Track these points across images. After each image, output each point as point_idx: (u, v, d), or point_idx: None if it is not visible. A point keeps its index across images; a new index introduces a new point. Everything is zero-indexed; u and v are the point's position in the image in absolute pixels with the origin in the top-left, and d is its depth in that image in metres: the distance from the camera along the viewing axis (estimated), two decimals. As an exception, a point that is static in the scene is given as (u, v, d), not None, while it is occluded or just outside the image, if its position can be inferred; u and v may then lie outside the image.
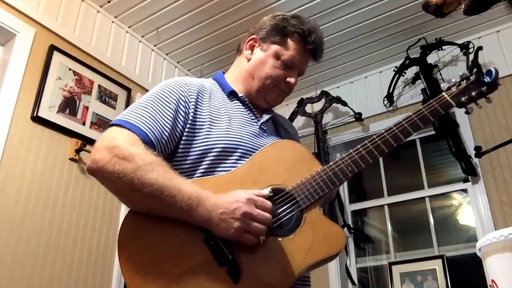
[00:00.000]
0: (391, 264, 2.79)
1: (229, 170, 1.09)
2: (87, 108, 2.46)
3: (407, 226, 3.14)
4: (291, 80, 1.26)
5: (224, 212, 0.95)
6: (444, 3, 1.20)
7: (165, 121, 1.09)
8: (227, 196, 0.98)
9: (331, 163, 1.09)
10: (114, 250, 2.38)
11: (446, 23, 2.80)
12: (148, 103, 1.11)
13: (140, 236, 0.99)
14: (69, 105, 2.37)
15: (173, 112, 1.11)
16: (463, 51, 2.80)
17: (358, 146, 1.09)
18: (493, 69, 1.09)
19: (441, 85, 1.15)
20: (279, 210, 1.03)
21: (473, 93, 1.10)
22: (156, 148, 1.05)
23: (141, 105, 1.11)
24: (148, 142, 1.03)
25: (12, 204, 2.00)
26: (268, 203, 0.99)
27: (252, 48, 1.31)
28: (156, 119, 1.08)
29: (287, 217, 1.03)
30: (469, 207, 2.74)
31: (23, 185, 2.06)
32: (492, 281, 1.41)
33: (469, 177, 2.66)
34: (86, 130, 2.41)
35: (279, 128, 1.33)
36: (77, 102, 2.42)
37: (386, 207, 3.10)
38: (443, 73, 2.90)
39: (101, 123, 2.51)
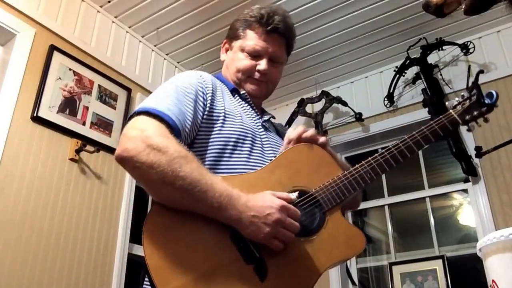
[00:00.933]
0: (391, 264, 2.79)
1: (242, 161, 1.12)
2: (87, 108, 2.46)
3: (408, 226, 3.14)
4: (260, 67, 1.28)
5: (256, 216, 0.96)
6: (445, 3, 1.20)
7: (188, 111, 1.10)
8: (258, 198, 0.99)
9: (351, 169, 1.14)
10: (114, 250, 2.38)
11: (446, 23, 2.80)
12: (170, 93, 1.11)
13: (166, 231, 0.98)
14: (69, 105, 2.36)
15: (193, 103, 1.12)
16: (464, 51, 2.80)
17: (376, 154, 1.16)
18: (494, 93, 1.20)
19: (446, 103, 1.25)
20: (303, 212, 1.06)
21: (475, 113, 1.19)
22: (181, 137, 1.05)
23: (164, 94, 1.10)
24: (176, 130, 1.03)
25: (12, 204, 1.99)
26: (298, 212, 1.02)
27: (226, 51, 1.38)
28: (180, 108, 1.08)
29: (310, 218, 1.07)
30: (470, 207, 2.74)
31: (23, 185, 2.06)
32: (493, 281, 1.41)
33: (470, 177, 2.65)
34: (86, 130, 2.41)
35: (279, 133, 1.38)
36: (77, 102, 2.42)
37: (386, 207, 3.10)
38: (443, 73, 2.89)
39: (101, 123, 2.51)
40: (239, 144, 1.14)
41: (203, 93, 1.16)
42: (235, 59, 1.30)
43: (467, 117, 1.19)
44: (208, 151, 1.12)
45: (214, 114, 1.16)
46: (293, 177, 1.11)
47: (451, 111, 1.21)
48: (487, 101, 1.19)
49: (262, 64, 1.27)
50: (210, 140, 1.13)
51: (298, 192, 1.06)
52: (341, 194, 1.10)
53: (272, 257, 0.99)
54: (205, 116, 1.14)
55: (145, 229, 0.97)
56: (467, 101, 1.21)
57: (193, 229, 0.99)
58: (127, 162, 0.98)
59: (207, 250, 0.97)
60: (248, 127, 1.19)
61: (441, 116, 1.20)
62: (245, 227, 0.96)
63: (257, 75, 1.29)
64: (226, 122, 1.15)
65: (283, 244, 0.99)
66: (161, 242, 0.96)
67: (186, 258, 0.95)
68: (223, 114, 1.17)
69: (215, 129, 1.14)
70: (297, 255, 1.02)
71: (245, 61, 1.28)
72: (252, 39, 1.28)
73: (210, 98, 1.17)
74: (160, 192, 0.99)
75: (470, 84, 1.26)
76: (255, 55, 1.28)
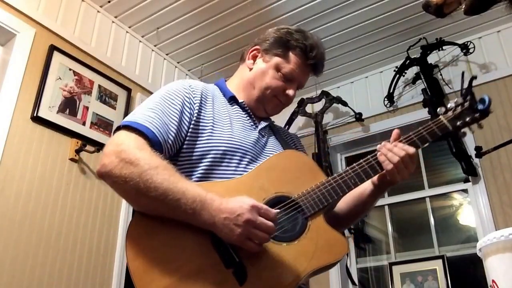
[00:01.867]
0: (391, 264, 2.79)
1: (230, 172, 1.13)
2: (87, 108, 2.46)
3: (408, 226, 3.14)
4: (290, 92, 1.30)
5: (227, 218, 0.96)
6: (445, 3, 1.20)
7: (171, 122, 1.11)
8: (231, 201, 0.99)
9: (335, 174, 1.15)
10: (114, 250, 2.38)
11: (446, 23, 2.79)
12: (154, 105, 1.13)
13: (148, 236, 1.00)
14: (69, 105, 2.36)
15: (178, 114, 1.13)
16: (464, 51, 2.80)
17: (361, 160, 1.16)
18: (486, 98, 1.17)
19: (438, 109, 1.23)
20: (285, 217, 1.07)
21: (467, 119, 1.18)
22: (163, 148, 1.07)
23: (147, 107, 1.13)
24: (155, 142, 1.06)
25: (12, 204, 1.99)
26: (272, 211, 1.00)
27: (254, 58, 1.35)
28: (163, 120, 1.10)
29: (292, 224, 1.07)
30: (470, 207, 2.74)
31: (23, 185, 2.05)
32: (493, 281, 1.41)
33: (470, 177, 2.65)
34: (86, 130, 2.41)
35: (278, 138, 1.37)
36: (77, 102, 2.42)
37: (386, 207, 3.09)
38: (443, 73, 2.89)
39: (101, 123, 2.51)
40: (228, 155, 1.14)
41: (190, 103, 1.17)
42: (267, 74, 1.29)
43: (458, 123, 1.18)
44: (197, 162, 1.13)
45: (201, 124, 1.17)
46: (276, 183, 1.11)
47: (441, 117, 1.20)
48: (480, 107, 1.18)
49: (292, 91, 1.30)
50: (199, 151, 1.13)
51: (276, 199, 1.07)
52: (324, 199, 1.10)
53: (252, 261, 0.99)
54: (192, 126, 1.15)
55: (128, 234, 1.00)
56: (459, 107, 1.20)
57: (175, 234, 1.00)
58: (106, 178, 1.02)
59: (188, 254, 0.98)
60: (237, 137, 1.18)
61: (430, 122, 1.19)
62: (219, 230, 0.97)
63: (283, 98, 1.31)
64: (214, 132, 1.16)
65: (258, 245, 0.98)
66: (143, 247, 0.98)
67: (167, 262, 0.97)
68: (211, 124, 1.17)
69: (202, 139, 1.15)
70: (278, 260, 1.01)
71: (278, 82, 1.29)
72: (293, 64, 1.29)
73: (197, 108, 1.18)
74: (137, 203, 1.03)
75: (463, 90, 1.24)
76: (288, 79, 1.29)
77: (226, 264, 0.98)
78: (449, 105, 1.22)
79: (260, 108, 1.31)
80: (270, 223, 0.98)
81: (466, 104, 1.19)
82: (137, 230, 1.01)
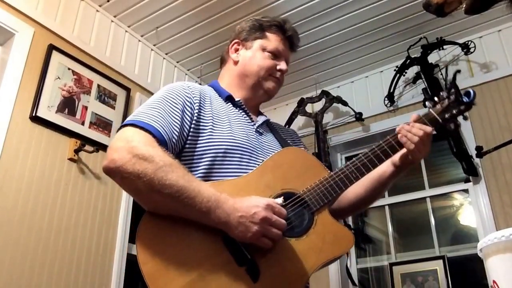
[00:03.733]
0: (391, 264, 2.79)
1: (231, 170, 1.15)
2: (86, 108, 2.45)
3: (408, 226, 3.13)
4: (282, 66, 1.36)
5: (243, 216, 0.98)
6: (445, 2, 1.19)
7: (174, 121, 1.13)
8: (245, 200, 1.01)
9: (337, 169, 1.19)
10: (114, 250, 2.38)
11: (447, 22, 2.79)
12: (156, 105, 1.14)
13: (159, 237, 1.01)
14: (68, 105, 2.36)
15: (180, 113, 1.15)
16: (464, 50, 2.79)
17: (360, 155, 1.21)
18: (471, 91, 1.24)
19: (426, 103, 1.30)
20: (292, 213, 1.10)
21: (454, 111, 1.24)
22: (168, 147, 1.08)
23: (150, 107, 1.14)
24: (162, 141, 1.06)
25: (11, 204, 1.99)
26: (284, 211, 1.05)
27: (236, 51, 1.40)
28: (167, 120, 1.11)
29: (299, 219, 1.10)
30: (470, 207, 2.73)
31: (22, 185, 2.05)
32: (494, 282, 1.40)
33: (470, 177, 2.64)
34: (85, 130, 2.40)
35: (275, 135, 1.39)
36: (76, 102, 2.41)
37: (386, 207, 3.08)
38: (444, 72, 2.88)
39: (100, 123, 2.51)
40: (229, 153, 1.16)
41: (190, 103, 1.19)
42: (255, 58, 1.35)
43: (447, 116, 1.24)
44: (198, 161, 1.14)
45: (202, 124, 1.18)
46: (281, 180, 1.14)
47: (430, 110, 1.25)
48: (465, 99, 1.24)
49: (283, 65, 1.37)
50: (200, 150, 1.15)
51: (283, 196, 1.09)
52: (328, 194, 1.13)
53: (264, 258, 1.02)
54: (192, 126, 1.17)
55: (138, 236, 1.00)
56: (446, 100, 1.25)
57: (186, 234, 1.01)
58: (115, 173, 1.00)
59: (200, 255, 0.99)
60: (237, 135, 1.20)
61: (421, 116, 1.24)
62: (234, 228, 0.98)
63: (278, 74, 1.36)
64: (214, 132, 1.18)
65: (272, 242, 1.01)
66: (154, 248, 0.98)
67: (179, 263, 0.97)
68: (210, 123, 1.19)
69: (203, 139, 1.16)
70: (288, 256, 1.04)
71: (268, 60, 1.35)
72: (274, 41, 1.37)
73: (197, 108, 1.20)
74: (149, 200, 1.02)
75: (448, 84, 1.30)
76: (276, 55, 1.36)
77: (239, 262, 1.00)
78: (436, 99, 1.27)
79: (260, 92, 1.35)
80: (283, 221, 1.02)
81: (452, 97, 1.24)
82: (147, 231, 1.01)
